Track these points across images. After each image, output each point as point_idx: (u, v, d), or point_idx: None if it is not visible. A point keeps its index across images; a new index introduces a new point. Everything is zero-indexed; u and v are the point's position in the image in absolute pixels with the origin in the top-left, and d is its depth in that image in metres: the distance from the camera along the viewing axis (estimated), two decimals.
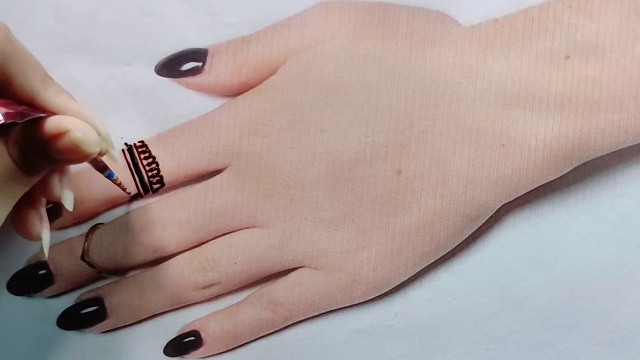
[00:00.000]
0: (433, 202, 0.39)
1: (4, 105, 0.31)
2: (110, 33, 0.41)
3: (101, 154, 0.35)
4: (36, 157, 0.31)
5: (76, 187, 0.41)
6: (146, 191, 0.41)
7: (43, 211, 0.35)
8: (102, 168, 0.36)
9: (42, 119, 0.31)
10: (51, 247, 0.41)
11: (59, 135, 0.31)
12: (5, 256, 0.41)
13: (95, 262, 0.41)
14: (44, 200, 0.35)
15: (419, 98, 0.39)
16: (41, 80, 0.32)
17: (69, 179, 0.35)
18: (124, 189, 0.39)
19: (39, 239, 0.35)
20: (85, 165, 0.41)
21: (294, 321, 0.42)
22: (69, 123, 0.31)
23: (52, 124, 0.31)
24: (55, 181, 0.34)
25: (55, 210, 0.41)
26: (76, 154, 0.31)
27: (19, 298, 0.42)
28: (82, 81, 0.42)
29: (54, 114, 0.32)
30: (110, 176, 0.36)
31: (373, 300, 0.41)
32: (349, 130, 0.39)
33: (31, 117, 0.31)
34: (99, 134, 0.32)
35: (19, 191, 0.32)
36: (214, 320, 0.41)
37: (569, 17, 0.38)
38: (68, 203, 0.35)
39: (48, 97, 0.32)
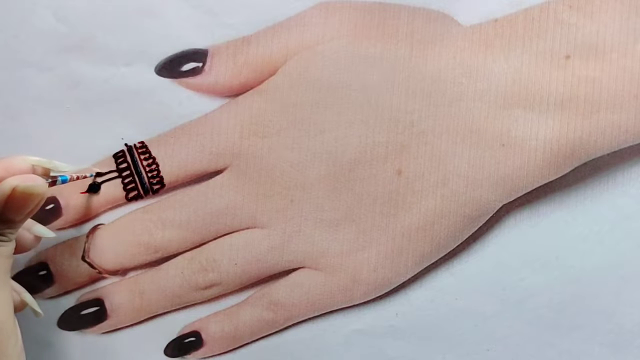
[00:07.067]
0: (434, 202, 0.39)
1: None
2: (110, 33, 0.41)
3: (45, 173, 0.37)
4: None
5: (77, 188, 0.41)
6: (146, 192, 0.41)
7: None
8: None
9: None
10: (52, 247, 0.41)
11: (10, 194, 0.33)
12: None
13: (96, 262, 0.41)
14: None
15: (419, 98, 0.39)
16: None
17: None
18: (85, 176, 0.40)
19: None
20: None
21: (295, 321, 0.42)
22: (12, 180, 0.33)
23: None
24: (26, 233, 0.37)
25: (55, 211, 0.41)
26: (32, 200, 0.34)
27: None
28: (82, 81, 0.42)
29: None
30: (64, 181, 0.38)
31: (373, 300, 0.41)
32: (349, 131, 0.39)
33: None
34: None
35: (6, 263, 0.35)
36: (215, 321, 0.41)
37: (570, 17, 0.38)
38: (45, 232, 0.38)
39: None
